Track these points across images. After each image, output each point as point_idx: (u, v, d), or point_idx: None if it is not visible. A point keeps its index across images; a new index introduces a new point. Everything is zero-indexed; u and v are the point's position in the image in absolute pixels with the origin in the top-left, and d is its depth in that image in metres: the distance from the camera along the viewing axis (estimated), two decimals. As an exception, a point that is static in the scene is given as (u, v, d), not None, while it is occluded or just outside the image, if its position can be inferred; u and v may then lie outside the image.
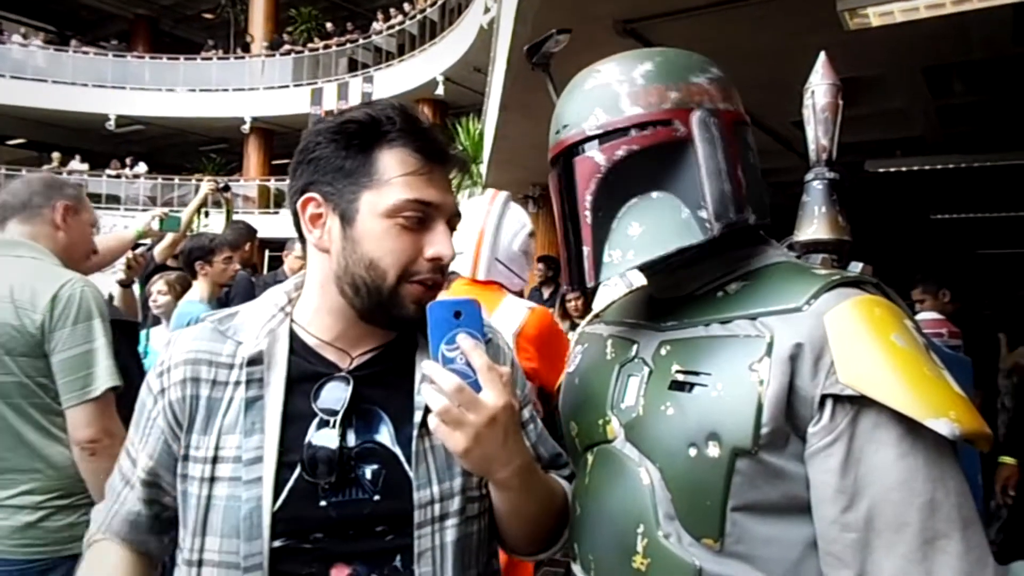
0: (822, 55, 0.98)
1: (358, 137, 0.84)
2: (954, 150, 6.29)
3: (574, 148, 0.83)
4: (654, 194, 0.80)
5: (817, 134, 0.95)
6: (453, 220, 0.89)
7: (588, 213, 0.81)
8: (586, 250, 0.82)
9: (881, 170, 6.74)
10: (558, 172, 0.86)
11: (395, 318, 0.86)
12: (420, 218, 0.84)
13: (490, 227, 1.90)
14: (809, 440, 0.69)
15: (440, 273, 0.87)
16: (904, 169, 6.64)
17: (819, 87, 0.95)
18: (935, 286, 3.61)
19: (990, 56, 4.18)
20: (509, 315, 1.80)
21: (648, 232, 0.79)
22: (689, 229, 0.78)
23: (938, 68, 4.57)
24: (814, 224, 0.92)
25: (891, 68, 4.52)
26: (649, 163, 0.79)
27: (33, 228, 1.73)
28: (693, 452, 0.73)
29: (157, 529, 0.91)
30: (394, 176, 0.83)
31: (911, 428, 0.66)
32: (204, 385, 0.87)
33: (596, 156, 0.80)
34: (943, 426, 0.63)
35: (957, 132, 5.91)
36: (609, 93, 0.81)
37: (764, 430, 0.69)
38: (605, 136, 0.80)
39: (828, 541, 0.68)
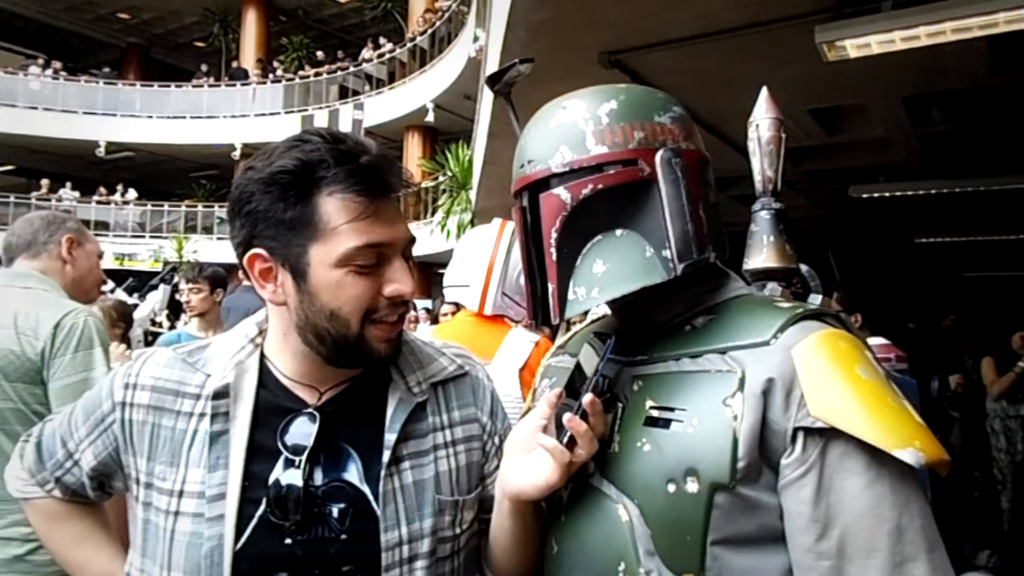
0: (764, 90, 1.00)
1: (294, 187, 0.79)
2: (935, 176, 6.40)
3: (539, 184, 0.83)
4: (618, 232, 0.80)
5: (763, 166, 0.96)
6: (408, 249, 0.86)
7: (554, 251, 0.81)
8: (551, 287, 0.81)
9: (864, 195, 6.84)
10: (522, 206, 0.87)
11: (367, 360, 0.85)
12: (372, 261, 0.81)
13: (499, 262, 1.87)
14: (782, 472, 0.71)
15: (403, 307, 0.85)
16: (887, 194, 6.74)
17: (763, 121, 0.97)
18: (848, 309, 3.16)
19: (967, 86, 4.29)
20: (514, 350, 1.79)
21: (612, 270, 0.79)
22: (653, 268, 0.79)
23: (917, 97, 4.67)
24: (763, 253, 0.94)
25: (871, 97, 4.61)
26: (614, 201, 0.80)
27: (41, 264, 1.75)
28: (672, 488, 0.73)
29: (100, 494, 0.96)
30: (339, 224, 0.79)
31: (876, 456, 0.68)
32: (168, 416, 0.86)
33: (562, 194, 0.80)
34: (910, 456, 0.65)
35: (938, 158, 6.02)
36: (575, 131, 0.81)
37: (740, 464, 0.70)
38: (571, 174, 0.80)
39: (803, 569, 0.69)
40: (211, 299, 3.18)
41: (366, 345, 0.83)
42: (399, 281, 0.82)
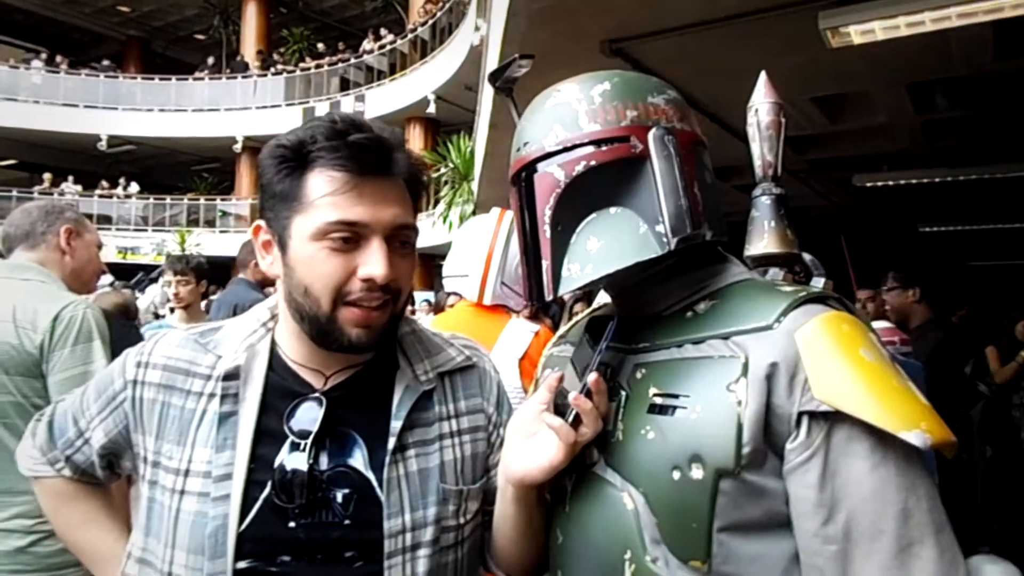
0: (762, 75, 0.99)
1: (288, 161, 0.82)
2: (939, 164, 6.37)
3: (534, 164, 0.84)
4: (612, 210, 0.81)
5: (763, 151, 0.96)
6: (402, 233, 0.85)
7: (547, 228, 0.82)
8: (545, 264, 0.82)
9: (868, 184, 6.81)
10: (519, 189, 0.87)
11: (341, 345, 0.83)
12: (349, 238, 0.80)
13: (498, 251, 1.87)
14: (787, 456, 0.70)
15: (381, 292, 0.82)
16: (891, 183, 6.71)
17: (762, 105, 0.96)
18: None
19: (972, 72, 4.25)
20: (514, 339, 1.79)
21: (606, 247, 0.80)
22: (646, 243, 0.79)
23: (921, 84, 4.63)
24: (764, 239, 0.94)
25: (875, 84, 4.58)
26: (607, 179, 0.80)
27: (39, 255, 1.74)
28: (677, 475, 0.73)
29: (109, 474, 0.97)
30: (318, 197, 0.80)
31: (881, 439, 0.68)
32: (178, 395, 0.87)
33: (556, 172, 0.81)
34: (916, 437, 0.65)
35: (942, 146, 5.98)
36: (568, 111, 0.82)
37: (745, 450, 0.70)
38: (564, 152, 0.81)
39: (810, 554, 0.69)
40: (197, 291, 3.19)
41: (337, 328, 0.82)
42: (373, 264, 0.80)
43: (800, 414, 0.70)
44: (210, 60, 19.64)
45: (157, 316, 5.79)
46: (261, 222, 0.87)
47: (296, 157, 0.82)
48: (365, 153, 0.81)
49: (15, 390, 1.57)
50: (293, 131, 0.84)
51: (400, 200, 0.85)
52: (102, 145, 17.95)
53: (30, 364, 1.57)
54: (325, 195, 0.80)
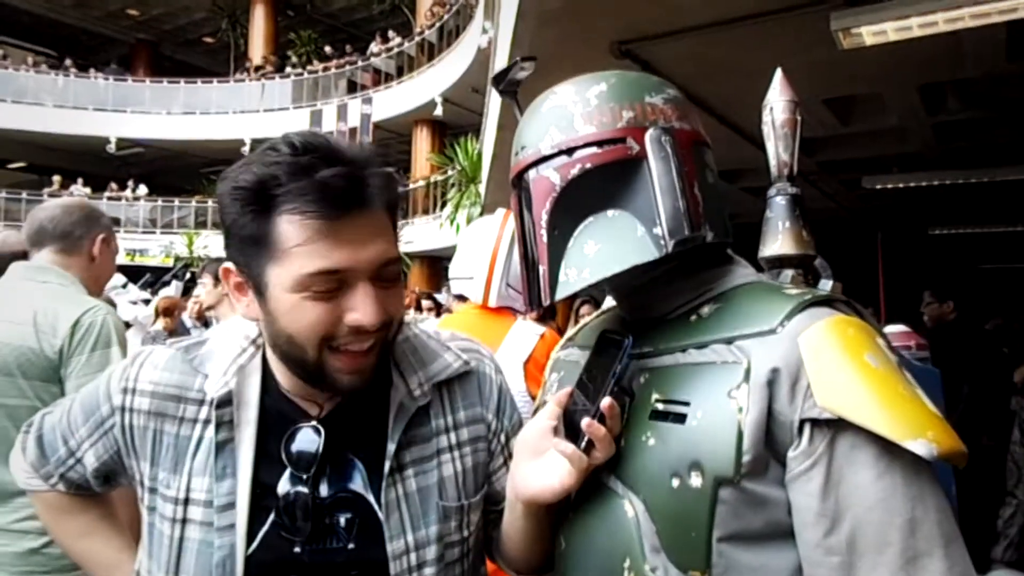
0: (778, 72, 0.97)
1: (251, 204, 0.74)
2: (951, 166, 6.32)
3: (531, 168, 0.82)
4: (610, 212, 0.79)
5: (778, 150, 0.93)
6: (387, 270, 0.78)
7: (544, 232, 0.80)
8: (542, 269, 0.81)
9: (879, 186, 6.77)
10: (518, 193, 0.86)
11: (333, 389, 0.80)
12: (331, 285, 0.74)
13: (502, 253, 1.85)
14: (789, 465, 0.68)
15: (371, 336, 0.77)
16: (901, 185, 6.67)
17: (777, 103, 0.94)
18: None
19: (985, 73, 4.22)
20: (519, 342, 1.78)
21: (604, 250, 0.78)
22: (644, 246, 0.77)
23: (933, 85, 4.60)
24: (779, 239, 0.92)
25: (886, 86, 4.55)
26: (604, 181, 0.79)
27: (69, 259, 1.74)
28: (676, 483, 0.71)
29: (107, 487, 0.95)
30: (292, 246, 0.73)
31: (887, 448, 0.65)
32: (171, 422, 0.84)
33: (551, 175, 0.80)
34: (921, 447, 0.62)
35: (953, 148, 5.94)
36: (564, 113, 0.81)
37: (746, 458, 0.68)
38: (559, 155, 0.80)
39: (812, 565, 0.67)
40: (217, 292, 3.18)
41: (327, 373, 0.78)
42: (360, 310, 0.74)
43: (802, 421, 0.67)
44: (250, 64, 19.62)
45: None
46: (230, 265, 0.79)
47: (258, 200, 0.73)
48: (336, 192, 0.73)
49: (33, 395, 1.56)
50: (247, 165, 0.75)
51: (381, 233, 0.78)
52: (111, 148, 18.09)
53: (48, 369, 1.57)
54: (300, 244, 0.73)
